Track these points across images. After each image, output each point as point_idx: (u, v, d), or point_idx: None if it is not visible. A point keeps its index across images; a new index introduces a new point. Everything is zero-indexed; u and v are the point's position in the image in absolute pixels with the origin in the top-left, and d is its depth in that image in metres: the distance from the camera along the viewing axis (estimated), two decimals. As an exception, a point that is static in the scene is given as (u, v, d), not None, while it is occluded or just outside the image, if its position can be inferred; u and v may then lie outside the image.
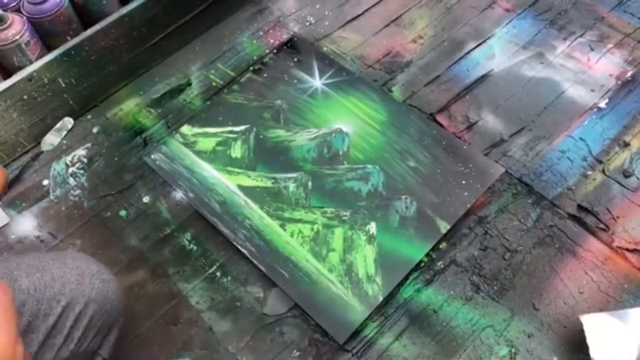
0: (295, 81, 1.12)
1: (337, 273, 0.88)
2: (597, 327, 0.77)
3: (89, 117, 1.11)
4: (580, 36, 1.16)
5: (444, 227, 0.92)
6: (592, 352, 0.75)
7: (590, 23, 1.18)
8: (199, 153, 1.03)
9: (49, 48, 1.05)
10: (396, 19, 1.23)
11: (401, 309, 0.85)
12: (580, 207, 0.94)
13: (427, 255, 0.90)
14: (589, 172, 0.98)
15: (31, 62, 1.01)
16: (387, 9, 1.25)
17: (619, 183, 0.96)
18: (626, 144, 1.00)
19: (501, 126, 1.04)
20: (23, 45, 0.99)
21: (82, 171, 1.03)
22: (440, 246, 0.91)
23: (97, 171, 1.03)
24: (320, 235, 0.92)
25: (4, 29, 0.97)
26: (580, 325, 0.77)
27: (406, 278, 0.88)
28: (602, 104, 1.06)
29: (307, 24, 1.23)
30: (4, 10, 0.99)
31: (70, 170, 1.03)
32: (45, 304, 0.63)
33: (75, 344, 0.65)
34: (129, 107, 1.12)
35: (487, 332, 0.83)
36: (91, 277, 0.68)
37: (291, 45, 1.18)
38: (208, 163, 1.01)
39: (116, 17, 1.05)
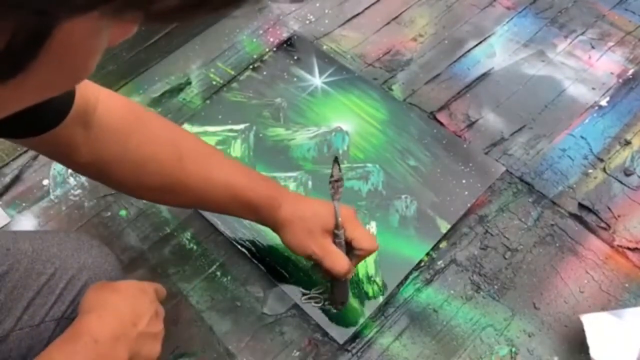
0: (295, 79, 1.12)
1: (337, 272, 0.88)
2: (597, 326, 0.77)
3: (88, 116, 1.11)
4: (581, 34, 1.16)
5: (444, 226, 0.91)
6: (593, 351, 0.75)
7: (591, 21, 1.18)
8: (198, 152, 1.02)
9: (48, 47, 1.05)
10: (396, 17, 1.23)
11: (401, 309, 0.85)
12: (581, 206, 0.94)
13: (427, 254, 0.90)
14: (590, 171, 0.97)
15: (30, 62, 1.00)
16: (387, 7, 1.24)
17: (620, 181, 0.96)
18: (627, 142, 1.00)
19: (502, 125, 1.04)
20: (22, 45, 0.99)
21: (82, 171, 1.02)
22: (441, 245, 0.91)
23: (97, 171, 1.03)
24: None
25: (3, 29, 0.97)
26: (581, 324, 0.77)
27: (406, 278, 0.87)
28: (603, 102, 1.06)
29: (307, 22, 1.22)
30: (3, 10, 0.99)
31: (70, 169, 1.03)
32: (39, 263, 0.65)
33: (68, 306, 0.66)
34: (129, 106, 1.11)
35: (487, 332, 0.83)
36: (90, 247, 0.70)
37: (291, 44, 1.18)
38: (208, 162, 1.01)
39: (115, 16, 1.05)
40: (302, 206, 0.75)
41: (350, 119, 1.05)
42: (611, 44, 1.14)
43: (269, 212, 0.74)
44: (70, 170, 1.03)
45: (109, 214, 0.97)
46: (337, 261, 0.73)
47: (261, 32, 1.21)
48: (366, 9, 1.24)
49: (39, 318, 0.64)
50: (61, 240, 0.69)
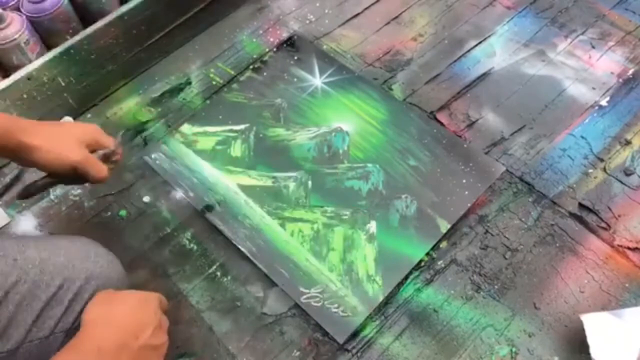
0: (295, 80, 1.12)
1: (338, 272, 0.88)
2: (597, 326, 0.77)
3: (88, 116, 1.11)
4: (582, 34, 1.16)
5: (444, 226, 0.91)
6: (593, 351, 0.75)
7: (592, 21, 1.18)
8: (199, 152, 1.03)
9: (48, 47, 1.05)
10: (396, 17, 1.23)
11: (401, 309, 0.85)
12: (581, 206, 0.93)
13: (428, 254, 0.89)
14: (590, 171, 0.97)
15: (30, 61, 1.00)
16: (387, 7, 1.24)
17: (620, 181, 0.96)
18: (627, 142, 1.00)
19: (502, 124, 1.04)
20: (22, 44, 0.99)
21: (82, 170, 1.02)
22: (441, 245, 0.91)
23: (97, 170, 1.02)
24: (321, 235, 0.92)
25: (4, 28, 0.97)
26: (581, 324, 0.77)
27: (406, 277, 0.87)
28: (603, 102, 1.06)
29: (307, 22, 1.22)
30: (3, 9, 0.99)
31: (70, 169, 1.03)
32: (47, 274, 0.65)
33: (76, 317, 0.65)
34: (129, 106, 1.11)
35: (487, 332, 0.83)
36: (96, 256, 0.70)
37: (291, 44, 1.18)
38: (208, 162, 1.01)
39: (116, 15, 1.05)
40: (49, 126, 0.72)
41: (350, 119, 1.05)
42: (611, 43, 1.14)
43: (15, 136, 0.67)
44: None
45: (109, 214, 0.97)
46: (101, 170, 0.73)
47: (261, 32, 1.21)
48: (366, 8, 1.24)
49: (48, 330, 0.64)
50: (68, 248, 0.69)
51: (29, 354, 0.63)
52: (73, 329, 0.65)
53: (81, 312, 0.65)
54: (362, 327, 0.84)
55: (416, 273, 0.88)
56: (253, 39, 1.20)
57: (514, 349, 0.81)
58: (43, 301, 0.63)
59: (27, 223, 0.97)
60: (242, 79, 1.13)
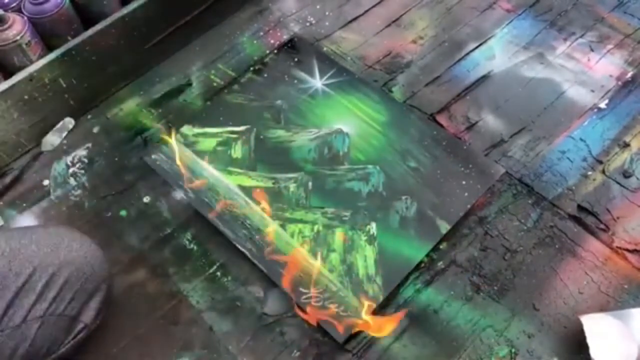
0: (296, 81, 1.12)
1: (338, 273, 0.88)
2: (597, 327, 0.77)
3: (89, 117, 1.11)
4: (581, 37, 1.17)
5: (444, 227, 0.92)
6: (592, 352, 0.75)
7: (591, 24, 1.19)
8: (199, 153, 1.03)
9: (49, 48, 1.05)
10: (396, 19, 1.23)
11: (401, 309, 0.85)
12: (580, 208, 0.94)
13: (427, 255, 0.90)
14: (589, 173, 0.98)
15: (32, 62, 1.01)
16: (387, 10, 1.25)
17: (619, 183, 0.96)
18: (626, 145, 1.01)
19: (501, 127, 1.04)
20: (24, 46, 0.99)
21: (82, 171, 1.03)
22: (441, 246, 0.91)
23: (97, 171, 1.03)
24: (321, 236, 0.92)
25: (5, 29, 0.97)
26: (581, 325, 0.78)
27: (406, 278, 0.88)
28: (602, 105, 1.06)
29: (308, 24, 1.23)
30: (4, 11, 0.99)
31: (71, 170, 1.03)
32: (17, 264, 0.65)
33: (50, 303, 0.65)
34: (130, 107, 1.12)
35: (487, 332, 0.83)
36: (70, 241, 0.70)
37: (291, 46, 1.18)
38: (208, 163, 1.01)
39: (117, 17, 1.06)
40: None
41: (350, 121, 1.05)
42: (610, 46, 1.14)
43: None
44: (70, 171, 1.03)
45: (110, 214, 0.97)
46: None
47: (262, 34, 1.22)
48: (366, 11, 1.25)
49: (19, 318, 0.63)
50: (40, 237, 0.68)
51: (1, 344, 0.63)
52: (48, 316, 0.65)
53: (55, 298, 0.66)
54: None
55: (416, 274, 0.88)
56: (254, 41, 1.21)
57: (513, 350, 0.81)
58: (13, 291, 0.63)
59: (27, 223, 0.97)
60: (242, 80, 1.14)
